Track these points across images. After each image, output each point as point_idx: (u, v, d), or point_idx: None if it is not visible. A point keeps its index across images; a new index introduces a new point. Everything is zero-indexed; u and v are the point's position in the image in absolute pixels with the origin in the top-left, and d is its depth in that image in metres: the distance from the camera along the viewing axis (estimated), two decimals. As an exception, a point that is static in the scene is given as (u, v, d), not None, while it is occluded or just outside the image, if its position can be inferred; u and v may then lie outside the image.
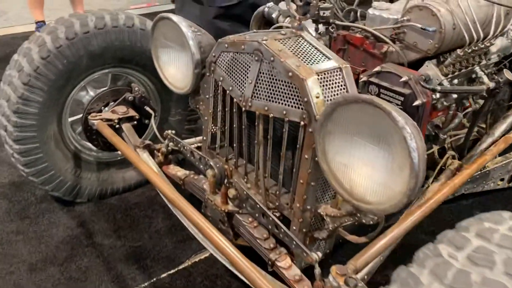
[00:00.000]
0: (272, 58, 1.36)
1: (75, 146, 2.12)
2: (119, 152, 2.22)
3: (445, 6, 1.48)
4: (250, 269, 1.29)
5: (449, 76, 1.54)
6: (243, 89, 1.48)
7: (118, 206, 2.20)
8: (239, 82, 1.50)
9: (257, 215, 1.47)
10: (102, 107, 2.06)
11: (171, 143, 1.91)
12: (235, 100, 1.52)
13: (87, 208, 2.17)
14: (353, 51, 1.72)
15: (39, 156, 1.94)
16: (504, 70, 1.70)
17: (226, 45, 1.52)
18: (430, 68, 1.53)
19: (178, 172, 1.87)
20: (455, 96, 1.54)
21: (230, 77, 1.54)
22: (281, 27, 1.72)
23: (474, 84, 1.69)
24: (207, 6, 4.55)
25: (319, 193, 1.43)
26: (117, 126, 2.01)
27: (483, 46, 1.58)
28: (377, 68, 1.57)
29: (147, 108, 2.10)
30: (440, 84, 1.52)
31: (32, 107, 1.85)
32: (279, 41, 1.40)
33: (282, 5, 1.80)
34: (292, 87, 1.32)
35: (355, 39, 1.73)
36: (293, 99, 1.33)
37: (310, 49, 1.41)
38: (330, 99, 1.30)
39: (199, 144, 2.01)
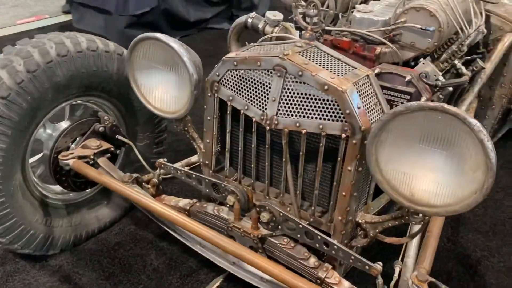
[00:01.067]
0: (300, 73, 1.30)
1: (40, 192, 1.83)
2: (88, 190, 1.99)
3: (438, 5, 1.56)
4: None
5: (444, 71, 1.64)
6: (263, 108, 1.40)
7: (100, 250, 1.95)
8: (257, 100, 1.42)
9: (298, 235, 1.41)
10: (70, 144, 1.81)
11: (162, 171, 1.76)
12: (254, 119, 1.44)
13: (64, 260, 1.88)
14: (342, 55, 1.75)
15: (6, 211, 1.63)
16: (477, 59, 1.86)
17: (235, 63, 1.43)
18: (427, 65, 1.61)
19: (179, 202, 1.72)
20: (450, 89, 1.64)
21: (243, 96, 1.45)
22: (277, 37, 1.67)
23: (454, 76, 1.82)
24: (117, 16, 4.27)
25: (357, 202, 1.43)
26: (92, 162, 1.78)
27: (466, 40, 1.70)
28: (377, 70, 1.60)
29: (120, 137, 1.89)
30: (437, 79, 1.61)
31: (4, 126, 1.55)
32: (299, 54, 1.36)
33: (269, 14, 1.74)
34: (328, 100, 1.28)
35: (343, 43, 1.75)
36: (330, 112, 1.29)
37: (332, 60, 1.38)
38: (367, 108, 1.30)
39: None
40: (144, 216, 2.15)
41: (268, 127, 1.40)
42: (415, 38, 1.57)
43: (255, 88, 1.42)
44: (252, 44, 1.57)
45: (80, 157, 1.75)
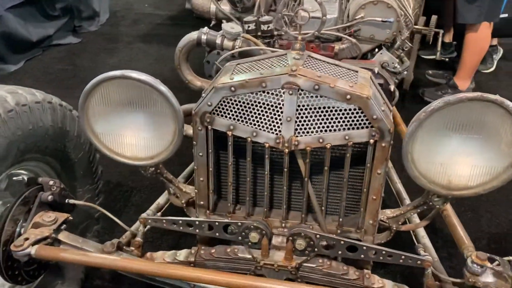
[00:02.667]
0: (316, 87, 1.23)
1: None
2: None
3: (390, -4, 1.64)
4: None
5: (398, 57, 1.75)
6: (277, 131, 1.30)
7: None
8: (268, 124, 1.30)
9: (339, 251, 1.37)
10: (17, 228, 1.41)
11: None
12: (267, 144, 1.32)
13: None
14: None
15: None
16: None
17: (233, 89, 1.28)
18: (385, 55, 1.70)
19: (176, 255, 1.50)
20: (405, 73, 1.76)
21: (248, 122, 1.32)
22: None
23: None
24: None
25: (381, 202, 1.45)
26: (51, 241, 1.43)
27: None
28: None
29: (71, 201, 1.56)
30: (395, 66, 1.71)
31: None
32: (306, 67, 1.28)
33: (226, 27, 1.59)
34: (351, 110, 1.25)
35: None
36: (354, 120, 1.26)
37: (332, 67, 1.34)
38: (382, 108, 1.31)
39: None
40: (105, 280, 1.87)
41: (286, 150, 1.31)
42: (375, 31, 1.64)
43: (263, 111, 1.30)
44: (228, 64, 1.43)
45: (37, 241, 1.40)
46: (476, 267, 1.27)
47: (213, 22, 1.98)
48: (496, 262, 1.27)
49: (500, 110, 1.16)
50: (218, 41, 1.63)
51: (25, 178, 1.62)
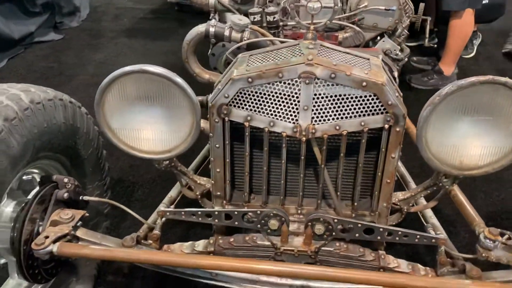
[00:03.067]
0: (333, 75, 1.26)
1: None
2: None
3: (392, -15, 1.68)
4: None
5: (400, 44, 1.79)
6: (294, 120, 1.33)
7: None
8: (285, 113, 1.33)
9: (357, 234, 1.41)
10: (35, 227, 1.40)
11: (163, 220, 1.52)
12: (284, 133, 1.35)
13: None
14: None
15: None
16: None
17: (250, 80, 1.30)
18: (387, 42, 1.74)
19: (194, 246, 1.52)
20: (406, 59, 1.81)
21: (265, 112, 1.34)
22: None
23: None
24: None
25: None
26: (70, 238, 1.43)
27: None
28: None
29: (85, 198, 1.56)
30: (397, 53, 1.75)
31: None
32: (322, 56, 1.31)
33: (234, 19, 1.60)
34: (367, 96, 1.29)
35: (302, 36, 1.74)
36: (370, 107, 1.30)
37: (345, 55, 1.37)
38: (396, 94, 1.34)
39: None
40: (119, 276, 1.87)
41: (304, 138, 1.34)
42: (377, 19, 1.68)
43: (280, 101, 1.32)
44: (241, 56, 1.45)
45: (58, 238, 1.40)
46: (488, 242, 1.34)
47: (213, 17, 1.97)
48: (507, 236, 1.34)
49: (509, 92, 1.22)
50: (227, 33, 1.64)
51: (36, 176, 1.61)
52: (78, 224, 1.47)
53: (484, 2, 3.48)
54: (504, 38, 4.51)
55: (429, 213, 1.67)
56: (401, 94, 1.40)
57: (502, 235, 1.34)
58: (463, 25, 3.32)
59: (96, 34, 4.69)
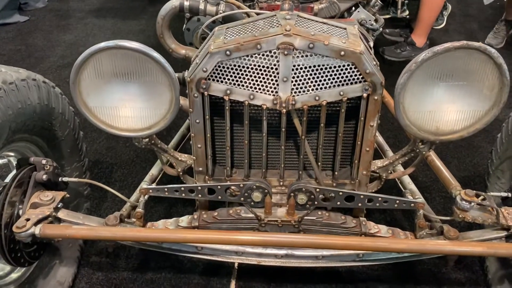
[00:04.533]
0: (311, 45, 1.26)
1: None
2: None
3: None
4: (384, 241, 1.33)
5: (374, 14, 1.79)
6: (274, 91, 1.32)
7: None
8: (264, 85, 1.32)
9: (338, 202, 1.43)
10: (15, 210, 1.37)
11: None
12: (264, 106, 1.34)
13: None
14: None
15: None
16: None
17: (228, 52, 1.28)
18: (362, 13, 1.74)
19: (178, 222, 1.52)
20: (380, 29, 1.81)
21: (245, 85, 1.33)
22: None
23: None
24: None
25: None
26: (52, 220, 1.41)
27: None
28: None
29: (65, 179, 1.53)
30: (372, 24, 1.76)
31: None
32: (299, 26, 1.30)
33: None
34: (345, 65, 1.29)
35: (277, 7, 1.73)
36: (348, 76, 1.30)
37: (321, 25, 1.36)
38: (373, 62, 1.35)
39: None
40: (103, 256, 1.86)
41: (284, 110, 1.34)
42: (352, -11, 1.67)
43: (259, 73, 1.31)
44: (217, 29, 1.42)
45: (39, 221, 1.37)
46: (465, 203, 1.38)
47: None
48: (482, 197, 1.38)
49: (482, 56, 1.24)
50: (201, 6, 1.60)
51: (12, 160, 1.57)
52: (59, 205, 1.45)
53: None
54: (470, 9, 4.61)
55: (407, 179, 1.71)
56: (378, 62, 1.42)
57: (477, 196, 1.39)
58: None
59: (63, 15, 4.53)
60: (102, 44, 1.27)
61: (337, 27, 1.39)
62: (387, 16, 3.96)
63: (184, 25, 1.82)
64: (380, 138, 1.96)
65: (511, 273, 1.56)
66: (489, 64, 1.25)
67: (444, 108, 1.33)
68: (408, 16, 3.97)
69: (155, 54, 1.28)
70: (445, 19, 4.38)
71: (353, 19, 1.70)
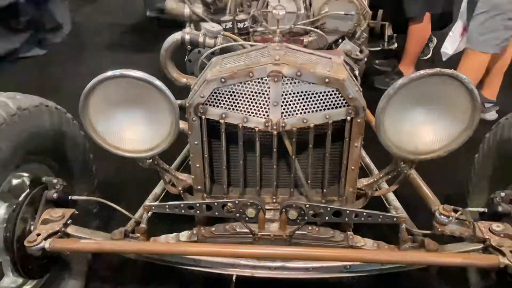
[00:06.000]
0: (298, 73, 1.31)
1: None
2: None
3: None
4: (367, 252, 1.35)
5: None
6: (265, 115, 1.36)
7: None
8: (257, 109, 1.37)
9: (327, 217, 1.45)
10: (27, 227, 1.40)
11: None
12: (257, 128, 1.38)
13: None
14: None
15: None
16: None
17: (223, 80, 1.33)
18: (348, 44, 1.79)
19: (179, 237, 1.54)
20: (365, 59, 1.87)
21: (239, 109, 1.37)
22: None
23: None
24: None
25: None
26: (61, 234, 1.43)
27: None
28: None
29: (74, 197, 1.56)
30: (357, 54, 1.81)
31: None
32: (288, 57, 1.35)
33: (207, 26, 1.63)
34: (330, 91, 1.33)
35: (270, 40, 1.78)
36: (333, 101, 1.35)
37: (309, 56, 1.42)
38: (355, 88, 1.39)
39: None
40: (109, 270, 1.87)
41: (275, 132, 1.38)
42: (338, 23, 1.73)
43: (252, 99, 1.36)
44: (214, 59, 1.48)
45: (49, 235, 1.40)
46: (443, 218, 1.39)
47: (188, 27, 1.99)
48: (459, 212, 1.40)
49: (455, 83, 1.28)
50: (201, 39, 1.66)
51: (26, 180, 1.60)
52: (68, 221, 1.47)
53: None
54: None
55: (391, 196, 1.73)
56: (361, 89, 1.46)
57: (455, 211, 1.41)
58: (421, 29, 3.43)
59: (79, 49, 4.65)
60: (109, 73, 1.33)
61: (323, 57, 1.44)
62: (378, 48, 4.04)
63: (186, 57, 1.88)
64: (367, 158, 1.99)
65: (491, 284, 1.56)
66: (461, 90, 1.29)
67: (421, 129, 1.36)
68: (395, 48, 4.06)
69: (157, 82, 1.33)
70: (431, 50, 4.45)
71: (340, 50, 1.75)
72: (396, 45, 4.26)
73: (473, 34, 2.81)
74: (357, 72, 1.71)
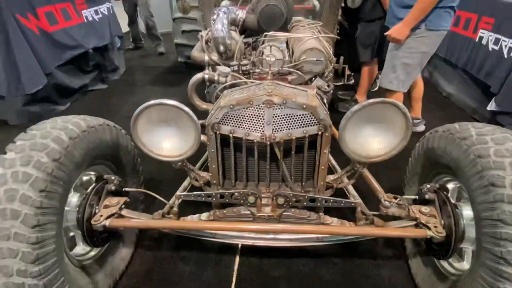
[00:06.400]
0: (284, 102, 1.32)
1: (76, 260, 1.37)
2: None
3: (321, 44, 1.75)
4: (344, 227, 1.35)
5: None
6: (261, 131, 1.37)
7: (136, 282, 1.58)
8: (255, 127, 1.37)
9: (305, 203, 1.45)
10: (93, 211, 1.39)
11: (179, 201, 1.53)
12: (255, 140, 1.38)
13: None
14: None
15: (61, 280, 1.18)
16: None
17: (232, 106, 1.34)
18: (319, 81, 1.80)
19: (200, 217, 1.54)
20: (331, 91, 1.87)
21: (243, 127, 1.38)
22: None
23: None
24: (11, 98, 3.24)
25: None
26: (117, 216, 1.43)
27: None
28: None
29: (127, 189, 1.56)
30: (325, 88, 1.81)
31: (50, 215, 1.14)
32: (277, 90, 1.36)
33: (220, 68, 1.65)
34: (306, 114, 1.34)
35: (265, 78, 1.79)
36: (309, 121, 1.35)
37: (291, 89, 1.43)
38: (324, 112, 1.40)
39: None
40: (151, 241, 1.85)
41: (268, 142, 1.38)
42: (312, 67, 1.74)
43: (252, 119, 1.37)
44: (225, 92, 1.48)
45: (109, 216, 1.39)
46: (387, 203, 1.39)
47: (207, 69, 1.99)
48: (398, 199, 1.40)
49: (394, 108, 1.29)
50: (216, 78, 1.68)
51: (92, 177, 1.60)
52: (122, 206, 1.47)
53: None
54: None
55: (350, 188, 1.71)
56: (328, 112, 1.46)
57: (395, 198, 1.41)
58: (370, 70, 3.45)
59: (130, 84, 4.65)
60: (151, 102, 1.33)
61: (301, 90, 1.45)
62: (340, 83, 4.04)
63: (206, 89, 1.89)
64: (333, 160, 1.98)
65: (422, 250, 1.56)
66: (398, 112, 1.29)
67: (371, 141, 1.36)
68: (352, 83, 4.07)
69: (185, 108, 1.33)
70: (378, 84, 4.47)
71: (313, 85, 1.76)
72: (353, 81, 4.27)
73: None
74: (325, 101, 1.72)
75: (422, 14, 2.11)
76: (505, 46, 2.84)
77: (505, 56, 2.81)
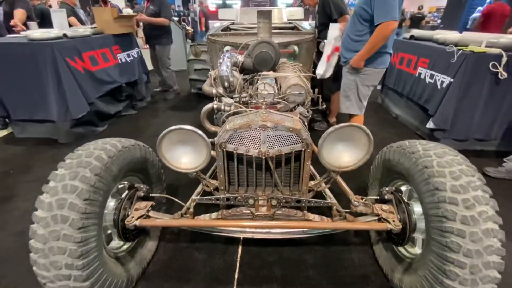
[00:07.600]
0: (276, 126, 1.32)
1: (112, 252, 1.33)
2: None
3: (302, 81, 1.76)
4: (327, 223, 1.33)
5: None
6: (258, 148, 1.36)
7: (162, 267, 1.52)
8: (253, 145, 1.36)
9: (292, 204, 1.43)
10: (126, 213, 1.36)
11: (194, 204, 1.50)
12: (254, 155, 1.37)
13: (141, 286, 1.41)
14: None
15: (100, 271, 1.13)
16: None
17: (235, 129, 1.34)
18: (300, 108, 1.80)
19: (212, 216, 1.50)
20: (310, 116, 1.88)
21: (243, 145, 1.37)
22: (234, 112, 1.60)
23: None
24: (61, 121, 3.19)
25: (308, 177, 1.50)
26: (145, 217, 1.39)
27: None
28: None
29: (154, 195, 1.53)
30: (305, 114, 1.82)
31: (92, 219, 1.11)
32: (270, 117, 1.36)
33: (225, 100, 1.65)
34: (293, 135, 1.34)
35: (260, 107, 1.79)
36: (294, 140, 1.35)
37: (281, 116, 1.43)
38: (306, 133, 1.40)
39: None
40: (172, 235, 1.80)
41: (264, 157, 1.37)
42: (295, 98, 1.74)
43: (250, 139, 1.36)
44: (230, 118, 1.48)
45: (139, 217, 1.36)
46: (356, 202, 1.39)
47: (215, 100, 1.99)
48: (364, 199, 1.40)
49: (359, 130, 1.30)
50: (222, 107, 1.68)
51: (126, 186, 1.56)
52: (149, 209, 1.43)
53: None
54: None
55: (327, 191, 1.69)
56: (309, 133, 1.47)
57: (362, 198, 1.40)
58: (337, 99, 3.49)
59: (154, 110, 4.62)
60: (172, 127, 1.32)
61: (288, 116, 1.45)
62: (315, 108, 4.07)
63: (214, 116, 1.88)
64: (313, 169, 1.97)
65: (383, 238, 1.54)
66: (363, 133, 1.30)
67: (342, 155, 1.36)
68: (324, 108, 4.09)
69: (199, 131, 1.32)
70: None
71: (296, 112, 1.77)
72: (324, 106, 4.28)
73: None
74: (306, 123, 1.72)
75: (372, 50, 2.10)
76: (438, 79, 2.93)
77: (439, 87, 2.90)
